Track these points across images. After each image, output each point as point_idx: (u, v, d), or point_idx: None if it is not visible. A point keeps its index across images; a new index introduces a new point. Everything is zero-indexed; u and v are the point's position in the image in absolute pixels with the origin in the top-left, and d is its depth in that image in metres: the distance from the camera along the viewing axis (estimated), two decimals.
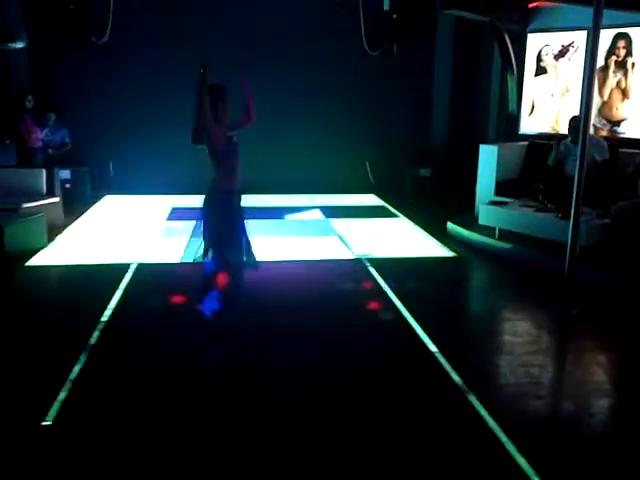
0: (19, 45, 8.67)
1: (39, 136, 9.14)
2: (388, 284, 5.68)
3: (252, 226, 7.57)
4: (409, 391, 3.80)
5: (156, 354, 4.21)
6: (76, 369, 3.90)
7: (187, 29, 9.69)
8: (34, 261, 6.33)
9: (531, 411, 3.62)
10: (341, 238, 7.44)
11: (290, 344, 4.39)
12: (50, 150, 9.08)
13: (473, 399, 3.63)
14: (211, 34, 9.85)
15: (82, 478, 2.92)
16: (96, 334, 4.46)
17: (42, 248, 6.71)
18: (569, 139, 7.03)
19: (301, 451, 3.14)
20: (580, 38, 7.83)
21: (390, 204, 9.57)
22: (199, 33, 9.77)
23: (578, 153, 5.03)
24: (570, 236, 5.07)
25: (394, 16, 8.59)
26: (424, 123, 10.95)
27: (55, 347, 4.28)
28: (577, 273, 5.14)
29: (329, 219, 8.52)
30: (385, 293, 5.49)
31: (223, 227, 4.52)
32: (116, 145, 9.82)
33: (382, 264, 6.30)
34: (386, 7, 8.58)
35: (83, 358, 4.06)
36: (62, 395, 3.57)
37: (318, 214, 8.86)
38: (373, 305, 5.28)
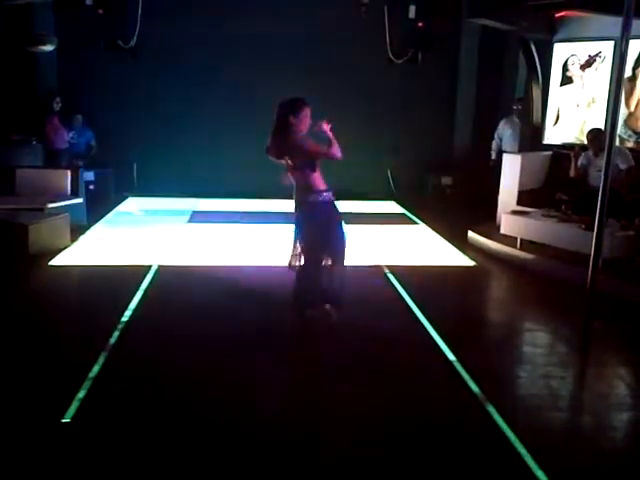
0: (49, 48, 8.84)
1: (65, 138, 9.29)
2: (407, 291, 5.65)
3: (274, 231, 7.70)
4: (426, 400, 3.77)
5: (176, 354, 4.24)
6: (96, 368, 3.94)
7: (215, 36, 9.78)
8: (57, 260, 6.42)
9: (551, 423, 3.57)
10: (361, 245, 7.43)
11: (307, 342, 4.39)
12: (80, 162, 9.15)
13: (492, 410, 3.59)
14: (239, 41, 9.95)
15: (100, 476, 2.94)
16: (116, 334, 4.51)
17: (65, 248, 6.81)
18: (590, 151, 6.99)
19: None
20: (607, 48, 7.75)
21: (411, 211, 9.55)
22: (226, 40, 9.89)
23: (602, 164, 4.97)
24: (593, 247, 5.01)
25: (419, 24, 8.60)
26: (447, 131, 10.91)
27: (76, 346, 4.33)
28: (599, 285, 5.06)
29: (349, 225, 8.50)
30: (404, 300, 5.47)
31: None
32: (140, 148, 9.94)
33: (401, 271, 6.28)
34: (411, 15, 8.60)
35: (103, 357, 4.10)
36: (82, 393, 3.61)
37: None
38: (391, 312, 5.26)
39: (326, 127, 4.60)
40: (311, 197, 4.58)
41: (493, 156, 9.41)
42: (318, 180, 4.59)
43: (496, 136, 9.39)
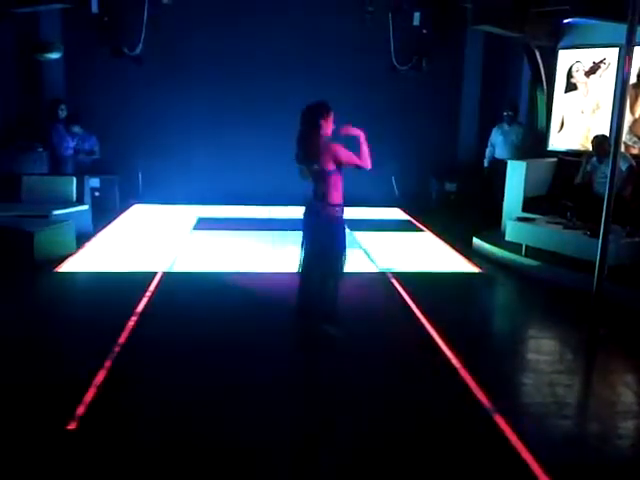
0: (55, 56, 8.89)
1: (70, 145, 9.32)
2: (412, 298, 5.65)
3: (279, 238, 7.71)
4: (431, 408, 3.76)
5: (181, 361, 4.23)
6: (101, 375, 3.94)
7: (218, 44, 9.82)
8: (63, 267, 6.43)
9: (557, 431, 3.56)
10: (366, 252, 7.43)
11: (308, 350, 4.39)
12: (80, 155, 9.24)
13: (497, 417, 3.58)
14: (243, 49, 10.00)
15: None
16: (121, 341, 4.51)
17: (71, 255, 6.82)
18: (594, 158, 7.01)
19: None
20: (612, 55, 7.75)
21: (415, 218, 9.54)
22: (230, 48, 9.93)
23: (607, 171, 4.96)
24: (599, 254, 5.00)
25: (424, 31, 8.62)
26: (451, 137, 10.91)
27: (81, 353, 4.33)
28: (605, 292, 5.05)
29: (354, 232, 8.51)
30: (409, 307, 5.46)
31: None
32: (145, 155, 9.97)
33: (406, 278, 6.27)
34: (416, 22, 8.61)
35: (108, 364, 4.10)
36: (86, 401, 3.61)
37: None
38: (396, 319, 5.25)
39: (352, 129, 4.55)
40: (324, 209, 4.57)
41: (485, 164, 9.43)
42: (336, 190, 4.58)
43: (489, 144, 9.41)
